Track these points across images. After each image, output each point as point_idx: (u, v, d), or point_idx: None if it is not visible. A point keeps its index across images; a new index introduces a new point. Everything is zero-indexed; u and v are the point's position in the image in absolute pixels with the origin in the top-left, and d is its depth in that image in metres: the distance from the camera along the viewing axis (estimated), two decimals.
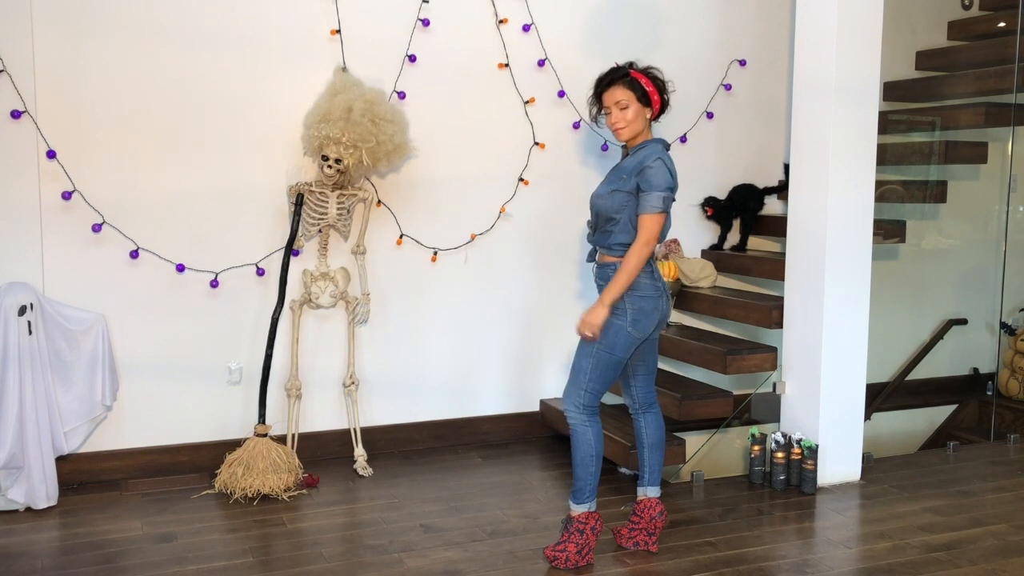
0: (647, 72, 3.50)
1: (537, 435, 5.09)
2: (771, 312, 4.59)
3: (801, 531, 3.91)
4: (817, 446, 4.31)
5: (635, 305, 3.42)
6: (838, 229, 4.27)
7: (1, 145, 4.06)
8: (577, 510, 3.52)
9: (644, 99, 3.46)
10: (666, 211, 3.39)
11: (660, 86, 3.51)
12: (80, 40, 4.14)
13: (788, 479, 4.35)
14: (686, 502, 4.18)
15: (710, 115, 5.30)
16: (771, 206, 5.39)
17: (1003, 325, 6.16)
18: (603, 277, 3.50)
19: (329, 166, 4.27)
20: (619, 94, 3.45)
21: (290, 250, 4.43)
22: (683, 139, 5.25)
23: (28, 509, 4.01)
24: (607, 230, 3.47)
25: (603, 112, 3.55)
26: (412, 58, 4.65)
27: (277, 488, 4.16)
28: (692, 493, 4.30)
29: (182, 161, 4.35)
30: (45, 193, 4.15)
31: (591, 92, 3.59)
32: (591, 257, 3.66)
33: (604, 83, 3.51)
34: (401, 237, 4.75)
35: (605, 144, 5.05)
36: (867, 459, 4.60)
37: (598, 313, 3.36)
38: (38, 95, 4.10)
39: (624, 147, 3.62)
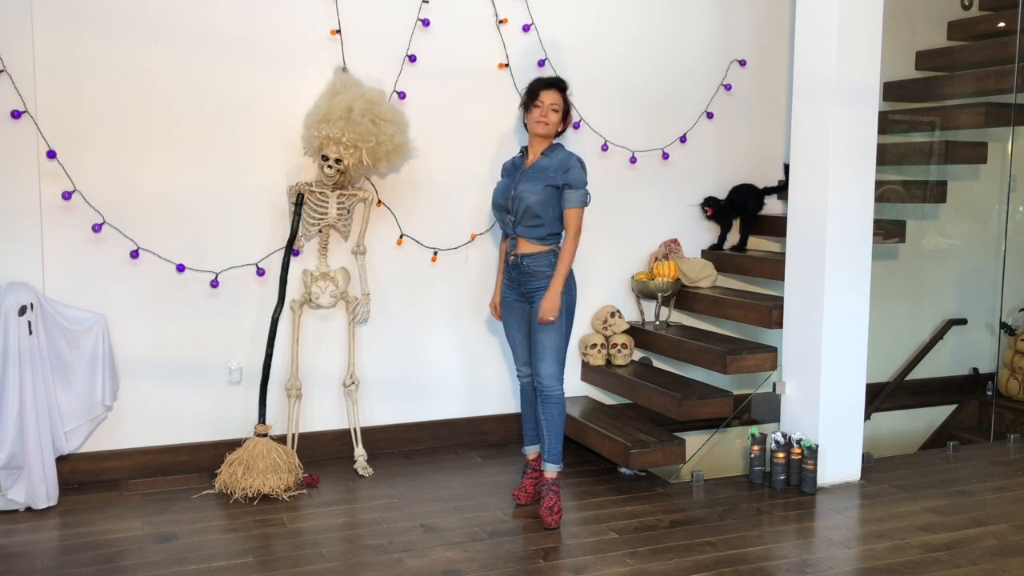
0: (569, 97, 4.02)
1: None
2: (771, 312, 4.59)
3: (801, 531, 3.92)
4: (817, 446, 4.31)
5: (570, 281, 3.95)
6: (838, 229, 4.27)
7: (1, 145, 4.07)
8: (556, 470, 3.95)
9: (564, 114, 3.98)
10: (585, 206, 3.93)
11: (568, 112, 4.02)
12: (80, 40, 4.14)
13: (788, 479, 4.35)
14: (686, 502, 4.18)
15: (710, 115, 5.30)
16: (771, 206, 5.39)
17: (1003, 325, 6.16)
18: (539, 264, 3.92)
19: (329, 166, 4.27)
20: (556, 98, 3.94)
21: (290, 250, 4.43)
22: (683, 139, 5.25)
23: (28, 509, 4.02)
24: (537, 224, 3.89)
25: (534, 104, 3.93)
26: (412, 58, 4.65)
27: (277, 488, 4.17)
28: (692, 493, 4.30)
29: (182, 161, 4.35)
30: (45, 193, 4.15)
31: (529, 85, 4.00)
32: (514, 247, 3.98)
33: (547, 83, 3.96)
34: (401, 237, 4.75)
35: (605, 144, 5.05)
36: (867, 459, 4.60)
37: (557, 298, 3.84)
38: (38, 95, 4.10)
39: (523, 149, 4.04)
